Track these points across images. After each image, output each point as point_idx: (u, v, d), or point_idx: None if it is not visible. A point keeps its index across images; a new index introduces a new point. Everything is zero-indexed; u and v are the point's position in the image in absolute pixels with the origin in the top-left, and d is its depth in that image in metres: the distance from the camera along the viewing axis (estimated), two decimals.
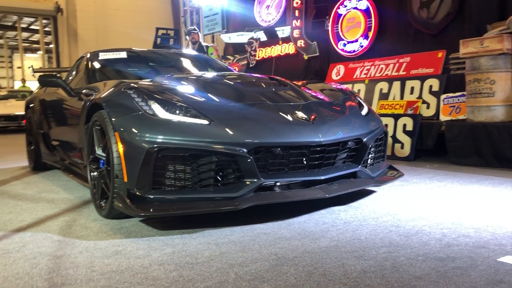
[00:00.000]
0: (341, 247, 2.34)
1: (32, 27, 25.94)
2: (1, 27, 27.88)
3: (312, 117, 2.92)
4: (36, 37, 26.36)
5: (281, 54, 8.30)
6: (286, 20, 8.48)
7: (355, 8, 6.88)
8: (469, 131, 4.85)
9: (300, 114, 2.93)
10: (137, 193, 2.62)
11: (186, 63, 4.82)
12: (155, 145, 2.58)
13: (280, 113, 2.90)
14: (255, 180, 2.68)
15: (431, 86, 5.72)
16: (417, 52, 6.16)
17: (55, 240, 2.58)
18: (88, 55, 4.56)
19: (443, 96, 5.50)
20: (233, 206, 2.61)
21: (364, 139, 3.12)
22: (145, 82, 3.31)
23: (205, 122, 2.71)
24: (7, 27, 27.45)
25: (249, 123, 2.77)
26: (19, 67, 34.83)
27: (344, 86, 3.97)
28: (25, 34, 29.55)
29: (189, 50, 5.35)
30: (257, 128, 2.75)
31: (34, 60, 36.01)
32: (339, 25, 7.13)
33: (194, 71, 4.68)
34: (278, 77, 3.80)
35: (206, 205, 2.61)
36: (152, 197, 2.60)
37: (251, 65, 9.13)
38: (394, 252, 2.24)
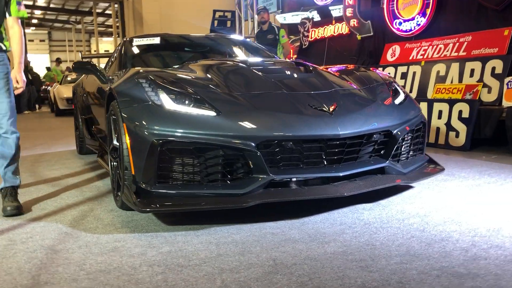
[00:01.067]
0: (349, 254, 2.11)
1: (107, 11, 27.03)
2: (79, 13, 29.38)
3: (332, 107, 2.66)
4: (110, 21, 27.42)
5: (334, 34, 7.89)
6: None
7: None
8: None
9: (318, 104, 2.68)
10: (143, 186, 2.54)
11: (222, 49, 4.66)
12: (160, 138, 2.47)
13: (296, 103, 2.68)
14: (264, 176, 2.50)
15: (493, 68, 5.15)
16: (480, 30, 5.57)
17: (63, 232, 2.57)
18: (123, 41, 4.54)
19: (507, 79, 4.93)
20: (240, 203, 2.45)
21: (394, 131, 2.82)
22: (163, 70, 3.21)
23: (213, 113, 2.55)
24: (84, 13, 28.87)
25: (259, 114, 2.57)
26: (95, 51, 36.84)
27: (382, 72, 3.62)
28: (100, 19, 30.98)
29: (233, 36, 5.15)
30: (268, 119, 2.55)
31: (110, 44, 37.77)
32: (395, 3, 6.62)
33: (228, 56, 4.52)
34: (309, 64, 3.55)
35: (212, 202, 2.47)
36: (157, 191, 2.51)
37: (304, 46, 8.80)
38: (407, 264, 1.98)
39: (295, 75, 3.11)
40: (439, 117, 5.20)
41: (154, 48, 4.52)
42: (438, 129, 5.19)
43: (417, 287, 1.77)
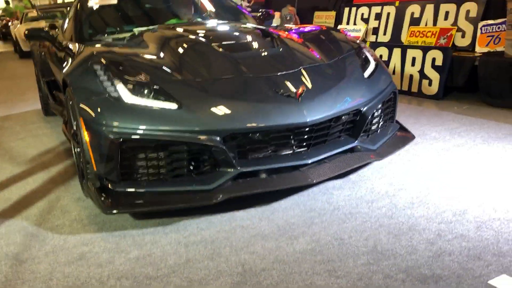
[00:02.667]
0: (318, 252, 2.12)
1: None
2: None
3: (299, 91, 2.55)
4: None
5: None
6: None
7: None
8: (507, 68, 4.27)
9: (285, 88, 2.56)
10: (106, 183, 2.46)
11: (184, 7, 4.38)
12: (120, 136, 2.36)
13: (261, 89, 2.56)
14: (231, 170, 2.44)
15: (468, 11, 5.00)
16: None
17: (29, 233, 2.51)
18: (78, 1, 4.21)
19: (481, 24, 4.82)
20: (208, 200, 2.40)
21: (364, 109, 2.74)
22: (115, 47, 3.01)
23: (174, 106, 2.42)
24: None
25: (223, 104, 2.45)
26: None
27: (351, 36, 3.46)
28: None
29: None
30: (232, 110, 2.44)
31: None
32: None
33: (190, 17, 4.26)
34: (274, 31, 3.35)
35: (180, 200, 2.42)
36: (121, 189, 2.43)
37: None
38: (374, 264, 2.01)
39: (261, 52, 2.94)
40: (413, 64, 5.11)
41: (112, 6, 4.21)
42: (411, 76, 5.12)
43: None
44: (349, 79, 2.82)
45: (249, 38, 3.19)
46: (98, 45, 3.17)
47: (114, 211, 2.39)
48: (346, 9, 6.57)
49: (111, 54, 2.80)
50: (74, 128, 2.83)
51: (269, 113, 2.45)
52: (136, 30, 3.73)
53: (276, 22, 7.92)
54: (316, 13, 7.25)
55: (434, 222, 2.33)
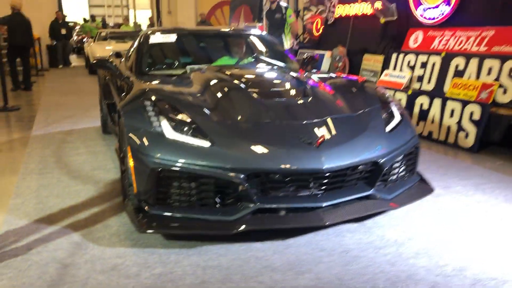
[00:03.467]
0: None
1: None
2: None
3: (320, 140, 2.83)
4: None
5: (359, 14, 7.78)
6: None
7: None
8: None
9: (307, 136, 2.85)
10: (143, 205, 2.82)
11: (235, 47, 4.81)
12: (159, 166, 2.72)
13: (286, 134, 2.86)
14: (252, 205, 2.73)
15: (511, 69, 5.08)
16: (504, 25, 5.43)
17: (74, 242, 2.90)
18: (142, 35, 4.72)
19: None
20: (228, 230, 2.70)
21: (381, 161, 2.97)
22: (169, 86, 3.43)
23: (207, 144, 2.77)
24: None
25: (249, 145, 2.77)
26: None
27: (383, 90, 3.69)
28: None
29: (251, 30, 5.25)
30: (257, 152, 2.75)
31: None
32: None
33: (240, 56, 4.67)
34: (312, 80, 3.64)
35: (204, 227, 2.73)
36: (155, 212, 2.79)
37: (329, 22, 8.70)
38: None
39: (291, 100, 3.25)
40: (451, 115, 5.23)
41: (169, 44, 4.70)
42: (449, 127, 5.24)
43: None
44: (369, 132, 3.05)
45: (283, 86, 3.51)
46: (151, 82, 3.60)
47: (148, 231, 2.74)
48: (394, 55, 6.77)
49: (160, 92, 3.21)
50: (122, 154, 3.24)
51: (289, 157, 2.74)
52: (188, 68, 4.16)
53: (326, 61, 8.24)
54: (366, 56, 7.48)
55: (432, 274, 2.50)
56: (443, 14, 6.17)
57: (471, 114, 4.99)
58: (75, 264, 2.63)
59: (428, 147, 5.30)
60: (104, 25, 21.19)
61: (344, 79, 3.93)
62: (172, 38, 4.64)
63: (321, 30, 9.08)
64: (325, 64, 8.23)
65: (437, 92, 5.79)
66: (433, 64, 6.06)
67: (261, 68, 4.18)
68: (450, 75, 5.78)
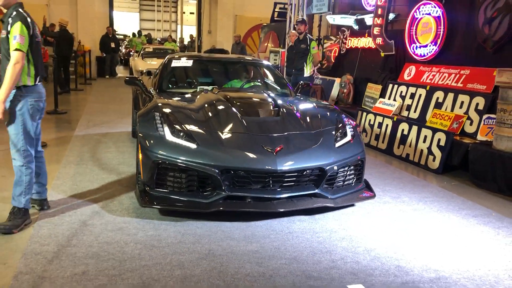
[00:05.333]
0: (257, 252, 3.31)
1: None
2: None
3: (278, 149, 3.81)
4: None
5: (365, 47, 8.70)
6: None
7: (429, 14, 7.01)
8: (489, 156, 5.11)
9: (269, 145, 3.84)
10: (147, 189, 3.87)
11: (237, 72, 5.89)
12: (159, 159, 3.77)
13: (254, 143, 3.85)
14: (223, 192, 3.73)
15: (477, 104, 5.89)
16: (477, 66, 6.25)
17: (95, 211, 3.98)
18: (166, 59, 5.85)
19: (485, 116, 5.68)
20: (205, 209, 3.72)
21: (326, 168, 3.91)
22: (176, 102, 4.50)
23: (194, 146, 3.80)
24: None
25: (225, 149, 3.79)
26: (183, 12, 39.11)
27: (347, 116, 4.63)
28: None
29: (254, 59, 6.37)
30: (229, 154, 3.76)
31: (194, 6, 39.83)
32: (414, 28, 7.33)
33: (246, 80, 5.72)
34: (285, 107, 4.57)
35: (188, 205, 3.76)
36: (154, 193, 3.83)
37: (342, 52, 9.66)
38: (289, 265, 3.15)
39: (265, 118, 4.24)
40: (424, 141, 6.06)
41: (188, 67, 5.82)
42: (422, 151, 6.07)
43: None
44: (320, 146, 4.01)
45: (262, 107, 4.49)
46: (166, 98, 4.68)
47: (148, 206, 3.79)
48: (390, 85, 7.64)
49: (168, 107, 4.28)
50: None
51: (253, 159, 3.74)
52: (199, 88, 5.25)
53: (336, 86, 9.18)
54: (369, 84, 8.37)
55: (347, 251, 3.41)
56: (431, 52, 7.02)
57: (439, 140, 5.82)
58: (94, 224, 3.70)
59: (404, 167, 6.15)
60: (150, 40, 22.83)
61: (316, 105, 4.88)
62: (189, 63, 5.75)
63: (335, 59, 10.04)
64: (335, 90, 9.16)
65: (421, 120, 6.62)
66: (420, 96, 6.90)
67: (254, 91, 5.19)
68: (431, 106, 6.61)
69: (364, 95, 8.47)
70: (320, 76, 9.97)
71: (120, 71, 22.09)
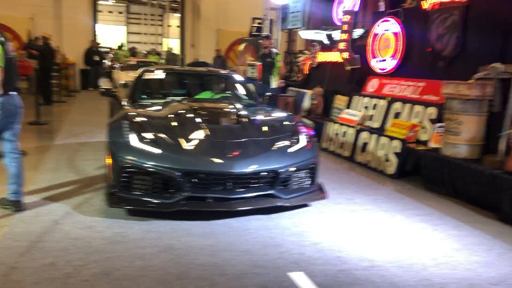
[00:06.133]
0: (212, 245, 3.66)
1: None
2: None
3: (235, 153, 4.18)
4: None
5: (333, 61, 9.17)
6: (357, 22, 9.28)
7: (388, 30, 7.50)
8: (437, 161, 5.54)
9: (228, 150, 4.21)
10: (115, 191, 4.21)
11: (207, 83, 6.28)
12: (125, 164, 4.12)
13: (213, 148, 4.23)
14: (184, 193, 4.08)
15: (430, 114, 6.33)
16: (431, 79, 6.71)
17: (67, 211, 4.30)
18: (141, 72, 6.22)
19: (437, 125, 6.12)
20: (168, 208, 4.06)
21: (280, 171, 4.29)
22: (144, 111, 4.86)
23: (159, 151, 4.16)
24: None
25: (187, 154, 4.15)
26: (169, 26, 39.61)
27: (302, 124, 5.04)
28: None
29: (222, 71, 6.84)
30: (191, 159, 4.13)
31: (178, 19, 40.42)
32: (377, 44, 7.81)
33: (217, 92, 6.10)
34: (245, 115, 4.93)
35: (153, 205, 4.10)
36: (121, 195, 4.17)
37: (313, 65, 10.12)
38: (239, 258, 3.50)
39: (226, 126, 4.62)
40: (382, 148, 6.48)
41: (161, 79, 6.20)
42: (380, 158, 6.48)
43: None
44: (274, 151, 4.40)
45: (225, 116, 4.88)
46: (136, 108, 5.03)
47: (113, 206, 4.13)
48: (355, 97, 8.09)
49: (136, 116, 4.64)
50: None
51: (212, 163, 4.11)
52: (170, 99, 5.62)
53: (307, 98, 9.60)
54: (337, 96, 8.81)
55: (293, 244, 3.78)
56: (391, 66, 7.49)
57: (395, 147, 6.24)
58: (65, 223, 4.02)
59: (364, 173, 6.55)
60: (134, 53, 23.17)
61: (276, 115, 5.28)
62: (161, 75, 6.13)
63: (308, 72, 10.50)
64: (306, 102, 9.59)
65: (382, 129, 7.05)
66: (381, 106, 7.34)
67: (220, 102, 5.57)
68: (391, 116, 7.05)
69: (332, 106, 8.90)
70: (292, 89, 10.39)
71: (105, 83, 22.35)
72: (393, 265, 3.48)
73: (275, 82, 8.96)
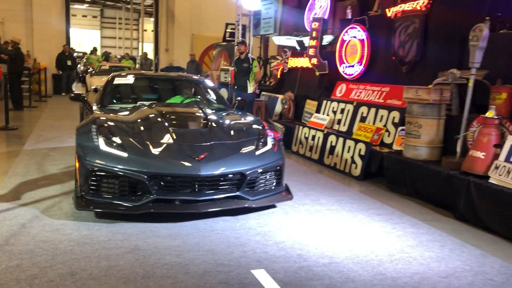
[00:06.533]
0: (177, 246, 3.77)
1: None
2: None
3: (202, 156, 4.30)
4: None
5: (304, 66, 9.39)
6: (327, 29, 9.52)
7: (355, 37, 7.76)
8: (399, 163, 5.77)
9: (194, 153, 4.32)
10: (82, 194, 4.27)
11: (178, 88, 6.39)
12: (93, 167, 4.19)
13: (180, 151, 4.33)
14: (151, 196, 4.18)
15: (394, 117, 6.57)
16: (395, 84, 6.96)
17: (35, 215, 4.34)
18: (110, 77, 6.28)
19: (399, 128, 6.36)
20: (135, 211, 4.14)
21: (246, 173, 4.42)
22: (113, 115, 4.94)
23: (126, 155, 4.24)
24: None
25: (153, 157, 4.25)
26: (145, 30, 39.34)
27: (270, 128, 5.20)
28: (149, 1, 33.21)
29: (194, 76, 6.95)
30: (157, 162, 4.23)
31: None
32: (344, 50, 8.05)
33: (187, 96, 6.19)
34: (213, 119, 5.06)
35: (120, 208, 4.18)
36: (89, 198, 4.24)
37: (285, 71, 10.32)
38: (204, 258, 3.62)
39: (193, 129, 4.73)
40: (348, 151, 6.69)
41: (131, 84, 6.27)
42: (346, 160, 6.69)
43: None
44: (241, 154, 4.53)
45: (193, 120, 4.99)
46: (105, 113, 5.10)
47: (81, 209, 4.19)
48: (324, 102, 8.30)
49: (104, 120, 4.71)
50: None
51: (179, 166, 4.21)
52: (139, 103, 5.70)
53: (279, 103, 9.79)
54: (307, 101, 9.01)
55: (257, 243, 3.91)
56: (357, 72, 7.73)
57: (360, 150, 6.46)
58: (32, 226, 4.06)
59: (332, 175, 6.74)
60: (107, 58, 23.04)
61: (244, 119, 5.42)
62: (130, 80, 6.20)
63: (280, 77, 10.69)
64: (278, 106, 9.77)
65: (349, 133, 7.27)
66: (348, 111, 7.57)
67: (188, 106, 5.68)
68: (357, 119, 7.28)
69: (303, 111, 9.10)
70: (265, 93, 10.57)
71: (79, 88, 22.17)
72: (351, 261, 3.65)
73: (251, 87, 9.09)
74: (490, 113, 4.83)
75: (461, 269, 3.61)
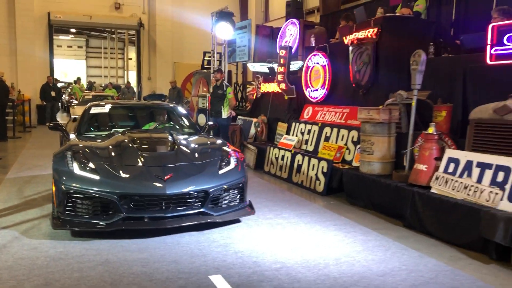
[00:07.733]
0: (145, 259, 4.17)
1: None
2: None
3: (167, 176, 4.74)
4: None
5: (275, 91, 9.95)
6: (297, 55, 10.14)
7: (318, 63, 8.34)
8: (356, 178, 6.25)
9: (161, 174, 4.76)
10: (59, 214, 4.67)
11: (151, 115, 6.86)
12: (68, 189, 4.60)
13: (148, 173, 4.77)
14: (121, 214, 4.59)
15: (353, 136, 7.09)
16: (354, 105, 7.50)
17: (15, 236, 4.71)
18: (88, 107, 6.73)
19: (358, 146, 6.86)
20: (107, 228, 4.55)
21: (210, 190, 4.86)
22: (88, 142, 5.37)
23: (98, 178, 4.67)
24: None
25: (123, 179, 4.68)
26: (130, 59, 39.92)
27: (233, 149, 5.67)
28: (132, 31, 33.91)
29: (165, 103, 7.50)
30: (126, 183, 4.66)
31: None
32: (309, 75, 8.62)
33: (160, 123, 6.66)
34: (179, 143, 5.53)
35: (93, 226, 4.58)
36: (65, 218, 4.63)
37: (258, 96, 10.87)
38: (168, 268, 4.02)
39: (161, 153, 5.18)
40: (313, 169, 7.16)
41: (107, 113, 6.73)
42: (311, 177, 7.16)
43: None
44: (205, 173, 4.98)
45: (161, 144, 5.45)
46: (80, 140, 5.54)
47: (58, 228, 4.58)
48: (293, 123, 8.82)
49: (79, 147, 5.14)
50: None
51: (146, 186, 4.65)
52: (114, 130, 6.14)
53: (253, 126, 10.28)
54: (279, 123, 9.53)
55: (218, 253, 4.32)
56: (321, 95, 8.28)
57: (322, 168, 6.93)
58: (12, 246, 4.44)
59: (299, 192, 7.19)
60: (90, 87, 23.54)
61: (210, 141, 5.88)
62: (106, 109, 6.66)
63: (253, 99, 11.24)
64: (252, 129, 10.27)
65: (315, 152, 7.75)
66: (314, 131, 8.08)
67: (158, 132, 6.13)
68: (322, 139, 7.78)
69: (275, 133, 9.60)
70: (241, 117, 11.07)
71: (63, 118, 22.53)
72: (300, 265, 4.08)
73: (225, 113, 9.59)
74: (430, 129, 5.35)
75: (398, 269, 4.05)
